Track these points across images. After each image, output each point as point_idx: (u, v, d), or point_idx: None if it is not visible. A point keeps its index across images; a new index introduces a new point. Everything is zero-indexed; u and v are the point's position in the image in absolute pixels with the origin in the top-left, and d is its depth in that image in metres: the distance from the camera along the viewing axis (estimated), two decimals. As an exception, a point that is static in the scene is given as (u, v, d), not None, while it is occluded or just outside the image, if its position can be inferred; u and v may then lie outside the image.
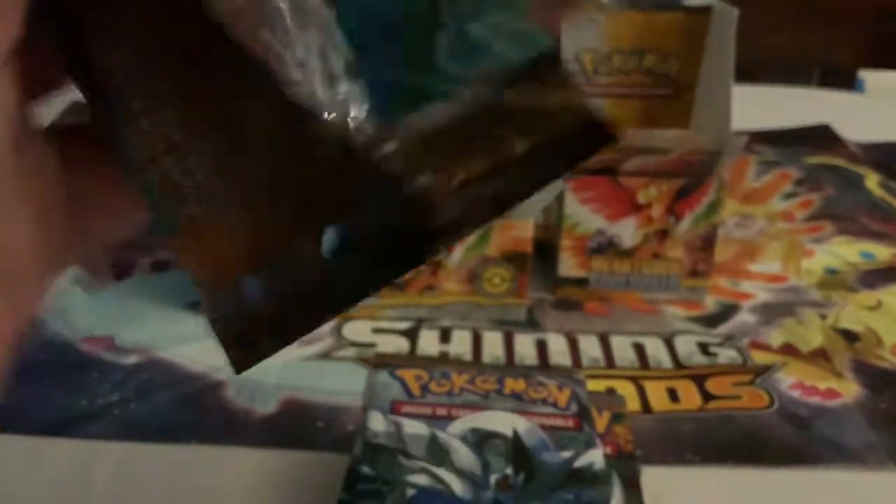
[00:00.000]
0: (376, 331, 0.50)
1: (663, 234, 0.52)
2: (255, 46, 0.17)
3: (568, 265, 0.53)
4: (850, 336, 0.51)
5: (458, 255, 0.50)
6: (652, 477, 0.38)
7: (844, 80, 0.98)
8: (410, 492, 0.32)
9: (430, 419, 0.36)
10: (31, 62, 0.17)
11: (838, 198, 0.69)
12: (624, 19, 0.55)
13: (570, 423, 0.36)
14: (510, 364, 0.48)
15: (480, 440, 0.35)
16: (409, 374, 0.39)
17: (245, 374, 0.18)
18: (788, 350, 0.49)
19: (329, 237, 0.18)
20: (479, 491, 0.33)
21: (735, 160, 0.52)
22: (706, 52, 0.55)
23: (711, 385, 0.46)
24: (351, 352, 0.49)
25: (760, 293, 0.55)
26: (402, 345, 0.49)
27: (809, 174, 0.73)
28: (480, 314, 0.52)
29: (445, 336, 0.50)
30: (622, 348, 0.49)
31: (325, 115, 0.17)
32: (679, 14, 0.55)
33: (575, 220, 0.52)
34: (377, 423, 0.36)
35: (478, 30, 0.19)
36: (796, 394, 0.45)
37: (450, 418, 0.36)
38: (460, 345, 0.49)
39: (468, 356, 0.49)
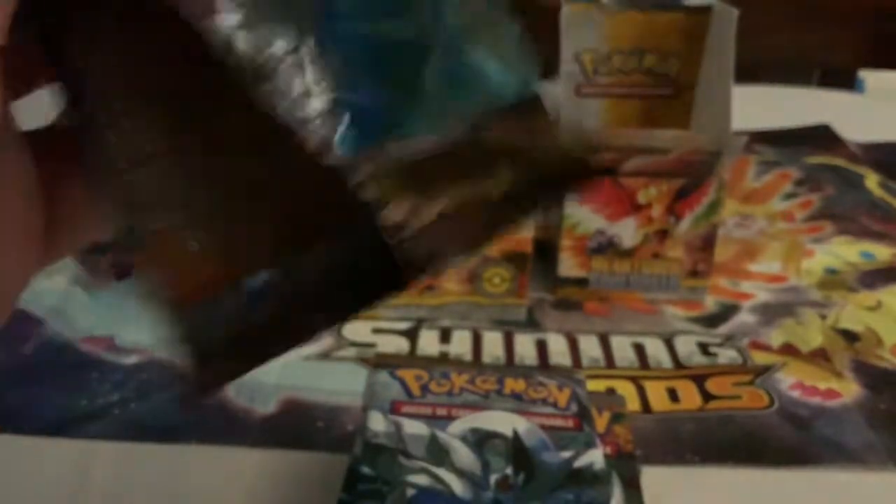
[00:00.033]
0: (376, 331, 0.50)
1: (663, 234, 0.52)
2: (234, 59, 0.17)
3: (568, 265, 0.53)
4: (850, 336, 0.51)
5: (458, 255, 0.50)
6: (652, 477, 0.38)
7: (844, 80, 0.98)
8: (410, 492, 0.32)
9: (430, 419, 0.36)
10: (12, 61, 0.17)
11: (838, 198, 0.69)
12: (624, 19, 0.55)
13: (570, 423, 0.36)
14: (510, 364, 0.48)
15: (480, 440, 0.35)
16: (409, 374, 0.39)
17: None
18: (788, 350, 0.49)
19: (304, 261, 0.18)
20: (479, 491, 0.33)
21: (735, 160, 0.52)
22: (706, 52, 0.55)
23: (711, 385, 0.46)
24: (351, 352, 0.49)
25: (760, 293, 0.55)
26: (402, 345, 0.49)
27: (809, 174, 0.73)
28: (480, 314, 0.52)
29: (445, 336, 0.50)
30: (622, 348, 0.49)
31: (303, 133, 0.17)
32: (679, 14, 0.55)
33: (575, 220, 0.52)
34: (377, 423, 0.36)
35: (467, 64, 0.19)
36: (796, 394, 0.45)
37: (450, 418, 0.36)
38: (460, 345, 0.49)
39: (468, 356, 0.49)
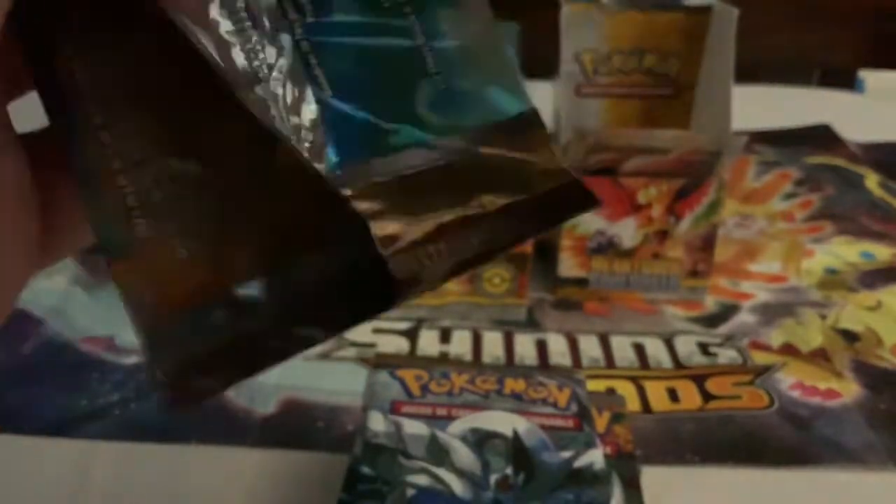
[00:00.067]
0: (376, 331, 0.50)
1: (663, 234, 0.52)
2: (222, 67, 0.16)
3: (568, 265, 0.53)
4: (850, 336, 0.51)
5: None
6: (652, 477, 0.38)
7: (844, 80, 0.98)
8: (410, 492, 0.32)
9: (430, 419, 0.36)
10: (6, 62, 0.17)
11: (838, 198, 0.69)
12: (624, 19, 0.55)
13: (570, 423, 0.36)
14: (510, 364, 0.48)
15: (480, 440, 0.35)
16: (409, 374, 0.39)
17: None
18: (788, 350, 0.49)
19: (293, 274, 0.17)
20: (479, 491, 0.33)
21: (735, 160, 0.52)
22: (706, 52, 0.55)
23: (711, 385, 0.46)
24: (351, 352, 0.49)
25: (760, 293, 0.55)
26: (402, 345, 0.49)
27: (809, 174, 0.73)
28: (480, 314, 0.52)
29: (445, 336, 0.50)
30: (622, 348, 0.49)
31: (294, 142, 0.16)
32: (679, 14, 0.55)
33: (575, 220, 0.52)
34: (377, 423, 0.36)
35: (462, 83, 0.19)
36: (796, 394, 0.45)
37: (450, 418, 0.36)
38: (460, 345, 0.49)
39: (468, 356, 0.49)
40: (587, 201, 0.20)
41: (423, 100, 0.18)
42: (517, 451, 0.34)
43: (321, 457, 0.41)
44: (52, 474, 0.40)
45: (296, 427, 0.43)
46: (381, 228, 0.16)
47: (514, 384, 0.38)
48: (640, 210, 0.51)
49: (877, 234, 0.63)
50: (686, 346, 0.50)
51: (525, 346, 0.50)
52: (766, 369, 0.47)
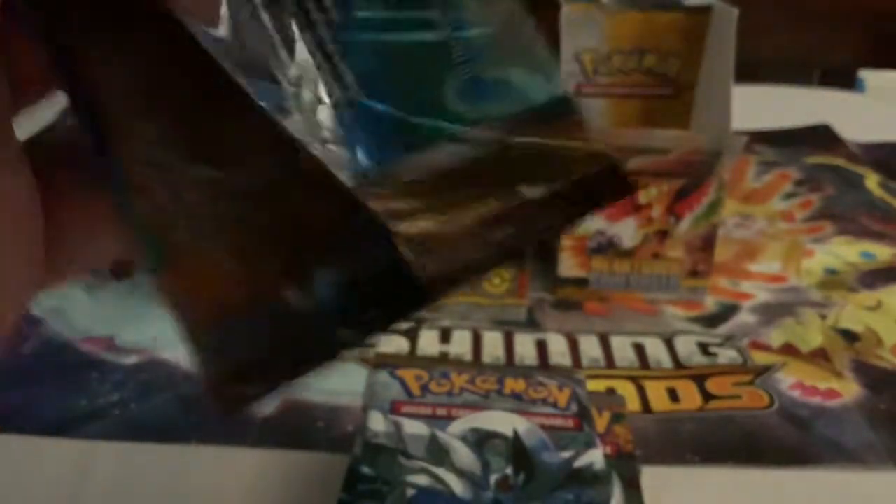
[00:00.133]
0: (376, 331, 0.50)
1: (663, 234, 0.52)
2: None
3: (568, 265, 0.53)
4: (850, 336, 0.51)
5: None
6: (652, 477, 0.38)
7: (844, 80, 0.98)
8: (410, 492, 0.32)
9: (430, 419, 0.36)
10: (18, 70, 0.17)
11: (838, 198, 0.69)
12: (624, 19, 0.55)
13: (570, 423, 0.36)
14: (510, 364, 0.48)
15: (480, 440, 0.35)
16: (409, 374, 0.39)
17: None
18: (788, 350, 0.49)
19: (324, 279, 0.17)
20: (479, 491, 0.33)
21: (735, 160, 0.52)
22: (706, 52, 0.55)
23: (711, 385, 0.46)
24: (351, 352, 0.48)
25: (760, 293, 0.55)
26: (402, 345, 0.49)
27: (809, 174, 0.73)
28: (480, 314, 0.52)
29: (445, 336, 0.50)
30: (622, 348, 0.49)
31: (321, 144, 0.16)
32: (679, 14, 0.55)
33: (575, 220, 0.52)
34: (377, 423, 0.36)
35: (491, 72, 0.19)
36: (796, 394, 0.45)
37: (450, 418, 0.36)
38: (460, 345, 0.49)
39: (468, 356, 0.49)
40: (626, 184, 0.20)
41: (452, 92, 0.18)
42: (517, 451, 0.34)
43: (321, 457, 0.41)
44: (52, 474, 0.40)
45: (296, 427, 0.43)
46: (414, 227, 0.16)
47: (514, 384, 0.38)
48: (640, 210, 0.51)
49: (877, 234, 0.63)
50: (686, 346, 0.50)
51: (525, 346, 0.50)
52: (766, 369, 0.47)
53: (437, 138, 0.18)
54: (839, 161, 0.76)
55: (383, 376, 0.39)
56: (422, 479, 0.33)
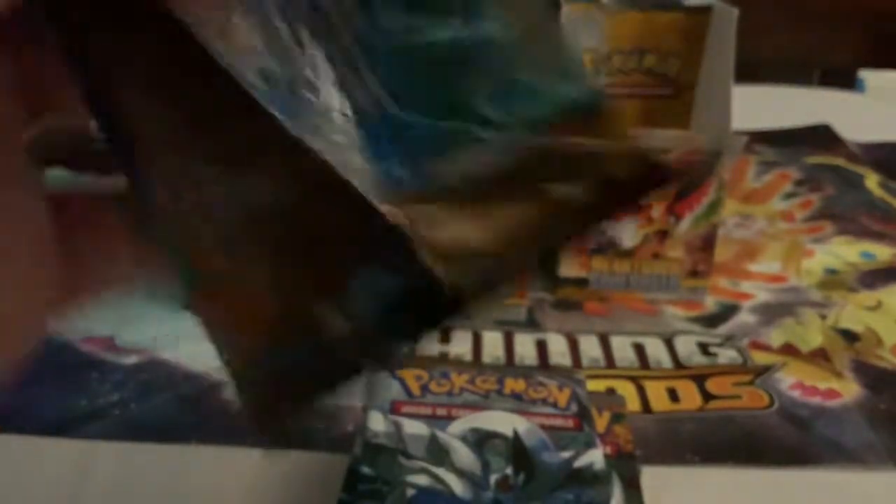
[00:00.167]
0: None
1: (663, 235, 0.52)
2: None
3: (568, 265, 0.53)
4: (850, 336, 0.51)
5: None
6: (652, 477, 0.38)
7: (844, 80, 0.98)
8: (410, 492, 0.32)
9: (430, 419, 0.36)
10: (36, 89, 0.17)
11: (838, 198, 0.69)
12: (624, 19, 0.55)
13: (570, 423, 0.36)
14: (510, 364, 0.48)
15: (480, 440, 0.35)
16: (409, 374, 0.39)
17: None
18: (788, 350, 0.49)
19: (358, 293, 0.17)
20: (479, 491, 0.33)
21: (735, 160, 0.52)
22: (706, 52, 0.55)
23: (711, 385, 0.46)
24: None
25: (760, 293, 0.55)
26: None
27: (809, 174, 0.73)
28: (480, 314, 0.52)
29: (445, 336, 0.50)
30: (622, 348, 0.49)
31: (348, 161, 0.16)
32: (679, 14, 0.55)
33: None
34: (377, 423, 0.36)
35: (520, 74, 0.18)
36: (796, 394, 0.45)
37: (450, 418, 0.36)
38: (460, 345, 0.49)
39: (468, 356, 0.49)
40: (664, 177, 0.19)
41: (481, 96, 0.18)
42: (517, 451, 0.34)
43: (321, 457, 0.41)
44: (52, 474, 0.40)
45: (296, 427, 0.43)
46: (445, 234, 0.16)
47: (514, 384, 0.38)
48: (640, 210, 0.51)
49: (877, 234, 0.63)
50: (686, 346, 0.50)
51: (525, 346, 0.50)
52: (766, 369, 0.47)
53: (467, 144, 0.17)
54: (839, 161, 0.76)
55: (383, 376, 0.39)
56: (422, 479, 0.33)
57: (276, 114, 0.16)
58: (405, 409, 0.37)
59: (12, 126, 0.16)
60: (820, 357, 0.49)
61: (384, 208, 0.16)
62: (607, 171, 0.18)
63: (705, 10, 0.54)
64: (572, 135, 0.18)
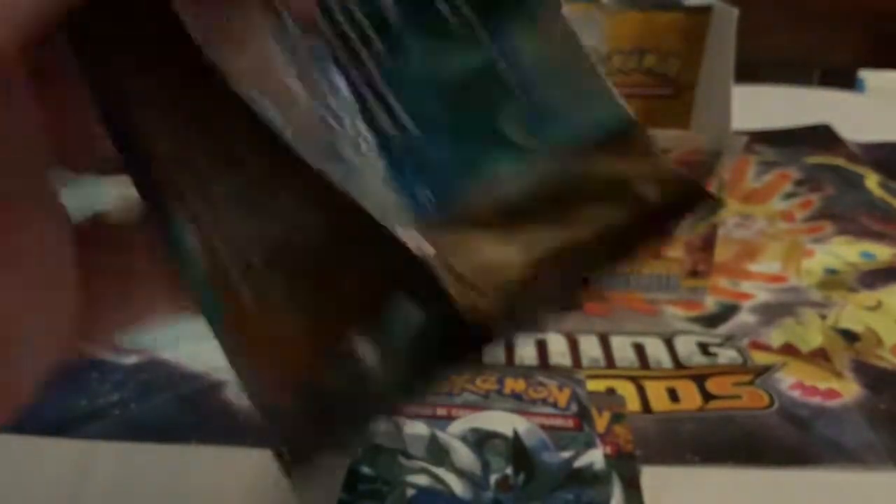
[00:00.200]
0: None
1: (663, 234, 0.52)
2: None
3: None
4: (850, 336, 0.51)
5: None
6: (652, 477, 0.38)
7: (844, 80, 0.98)
8: (410, 492, 0.32)
9: (430, 419, 0.36)
10: (61, 115, 0.16)
11: (838, 198, 0.69)
12: (624, 19, 0.55)
13: (570, 423, 0.36)
14: (510, 364, 0.48)
15: (480, 440, 0.35)
16: (409, 374, 0.39)
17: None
18: (788, 350, 0.49)
19: (389, 325, 0.17)
20: (479, 491, 0.33)
21: (735, 160, 0.52)
22: (706, 52, 0.55)
23: (711, 385, 0.46)
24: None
25: (760, 293, 0.55)
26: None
27: (809, 174, 0.73)
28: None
29: (445, 336, 0.50)
30: (622, 348, 0.49)
31: (374, 190, 0.16)
32: (679, 14, 0.55)
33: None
34: (377, 423, 0.36)
35: (549, 99, 0.18)
36: (796, 394, 0.45)
37: (450, 418, 0.36)
38: (460, 345, 0.49)
39: (468, 356, 0.48)
40: (703, 200, 0.19)
41: (509, 122, 0.18)
42: (517, 451, 0.34)
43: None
44: (52, 474, 0.40)
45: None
46: (472, 264, 0.16)
47: (514, 384, 0.38)
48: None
49: (877, 234, 0.63)
50: (686, 346, 0.50)
51: (525, 346, 0.49)
52: (766, 369, 0.47)
53: (496, 170, 0.17)
54: (839, 161, 0.76)
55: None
56: (422, 479, 0.33)
57: (298, 141, 0.16)
58: (405, 408, 0.37)
59: (39, 158, 0.16)
60: (820, 357, 0.49)
61: (409, 236, 0.16)
62: (640, 195, 0.18)
63: (705, 10, 0.54)
64: (603, 158, 0.18)
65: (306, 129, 0.16)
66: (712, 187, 0.51)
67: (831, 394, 0.45)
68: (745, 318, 0.53)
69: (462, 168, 0.17)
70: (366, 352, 0.16)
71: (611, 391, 0.45)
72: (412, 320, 0.16)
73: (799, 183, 0.72)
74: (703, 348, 0.49)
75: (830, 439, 0.42)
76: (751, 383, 0.46)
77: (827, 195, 0.69)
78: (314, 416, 0.17)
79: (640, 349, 0.49)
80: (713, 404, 0.45)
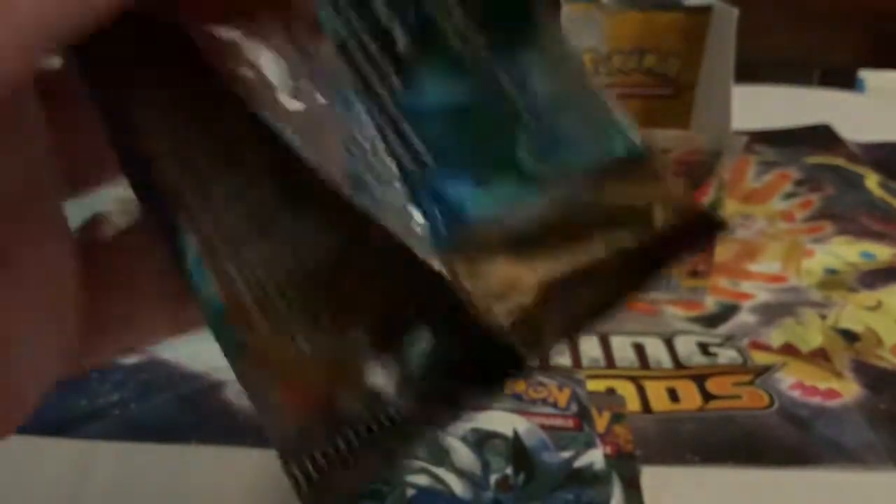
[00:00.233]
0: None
1: (663, 234, 0.52)
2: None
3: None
4: (850, 336, 0.51)
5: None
6: (652, 477, 0.38)
7: (844, 80, 0.98)
8: (410, 492, 0.32)
9: (430, 419, 0.36)
10: (73, 138, 0.16)
11: (838, 198, 0.69)
12: (624, 19, 0.55)
13: (570, 423, 0.36)
14: (510, 364, 0.48)
15: (480, 440, 0.35)
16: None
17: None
18: (788, 350, 0.49)
19: (413, 353, 0.16)
20: (479, 491, 0.33)
21: (735, 160, 0.52)
22: (706, 52, 0.55)
23: (711, 385, 0.46)
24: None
25: (760, 293, 0.55)
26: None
27: (809, 174, 0.73)
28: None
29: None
30: (622, 348, 0.49)
31: (384, 224, 0.16)
32: (679, 14, 0.55)
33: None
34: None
35: (561, 127, 0.18)
36: (796, 394, 0.45)
37: (450, 418, 0.36)
38: (460, 345, 0.49)
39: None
40: (716, 227, 0.19)
41: (522, 150, 0.18)
42: (517, 451, 0.34)
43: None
44: (52, 474, 0.40)
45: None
46: (489, 291, 0.16)
47: (513, 384, 0.38)
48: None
49: (877, 234, 0.63)
50: (686, 346, 0.50)
51: (525, 346, 0.49)
52: (766, 369, 0.47)
53: (513, 198, 0.17)
54: (839, 161, 0.76)
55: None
56: (422, 479, 0.33)
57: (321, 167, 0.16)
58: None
59: (47, 180, 0.16)
60: (820, 357, 0.49)
61: (432, 259, 0.16)
62: (651, 222, 0.18)
63: (705, 10, 0.54)
64: (614, 185, 0.18)
65: (329, 155, 0.16)
66: (712, 187, 0.51)
67: (831, 394, 0.45)
68: (745, 318, 0.53)
69: (475, 195, 0.17)
70: (389, 380, 0.16)
71: (611, 391, 0.45)
72: (437, 346, 0.16)
73: (799, 183, 0.72)
74: (703, 348, 0.49)
75: (830, 439, 0.42)
76: (751, 383, 0.46)
77: (827, 195, 0.69)
78: (339, 455, 0.16)
79: (640, 349, 0.49)
80: (713, 404, 0.45)
